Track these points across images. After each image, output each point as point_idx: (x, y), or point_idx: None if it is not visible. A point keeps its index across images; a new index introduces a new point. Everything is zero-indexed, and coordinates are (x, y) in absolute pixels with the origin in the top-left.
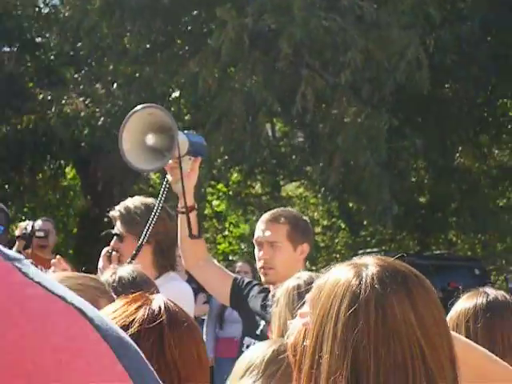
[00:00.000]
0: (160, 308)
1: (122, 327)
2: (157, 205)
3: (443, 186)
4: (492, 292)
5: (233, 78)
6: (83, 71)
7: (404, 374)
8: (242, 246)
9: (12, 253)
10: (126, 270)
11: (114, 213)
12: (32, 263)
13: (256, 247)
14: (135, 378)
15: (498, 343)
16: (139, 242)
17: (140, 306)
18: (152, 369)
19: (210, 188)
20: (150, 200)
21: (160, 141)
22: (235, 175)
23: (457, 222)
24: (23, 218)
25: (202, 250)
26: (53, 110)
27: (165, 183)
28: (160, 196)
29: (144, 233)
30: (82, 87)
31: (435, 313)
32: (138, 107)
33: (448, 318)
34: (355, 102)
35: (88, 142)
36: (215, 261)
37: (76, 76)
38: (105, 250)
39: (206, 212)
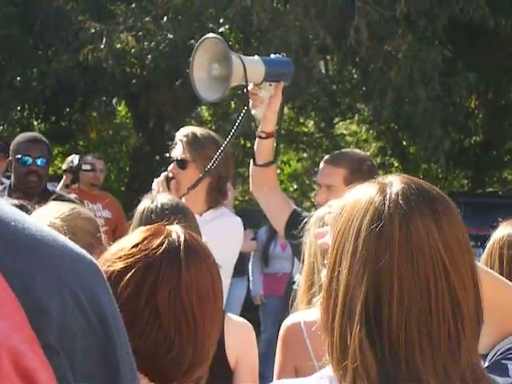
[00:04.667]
0: (179, 246)
1: (142, 265)
2: (232, 131)
3: (497, 124)
4: None
5: (285, 13)
6: (133, 5)
7: (427, 291)
8: (294, 185)
9: None
10: (166, 197)
11: (181, 136)
12: (77, 198)
13: (317, 187)
14: (15, 281)
15: None
16: (205, 171)
17: (161, 244)
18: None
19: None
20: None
21: (227, 70)
22: (287, 111)
23: (511, 159)
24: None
25: (271, 178)
26: (103, 41)
27: (244, 110)
28: (236, 123)
29: (212, 161)
30: (132, 20)
31: (459, 233)
32: (206, 36)
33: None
34: (408, 36)
35: (138, 78)
36: (281, 191)
37: (126, 10)
38: (163, 175)
39: None
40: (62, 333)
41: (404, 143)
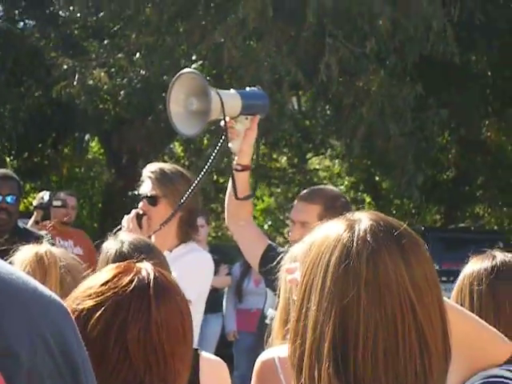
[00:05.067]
0: (149, 284)
1: (112, 304)
2: (208, 164)
3: (469, 159)
4: (500, 255)
5: (256, 49)
6: (106, 41)
7: (394, 328)
8: (269, 221)
9: None
10: (132, 237)
11: (148, 173)
12: (49, 234)
13: (290, 223)
14: None
15: (504, 308)
16: (178, 206)
17: (130, 282)
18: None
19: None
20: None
21: (204, 105)
22: (261, 147)
23: (483, 195)
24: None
25: (247, 212)
26: (76, 78)
27: (220, 143)
28: (212, 156)
29: (186, 196)
30: (105, 56)
31: (427, 270)
32: (182, 71)
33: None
34: (380, 72)
35: (111, 115)
36: (256, 225)
37: (98, 47)
38: (133, 212)
39: None
40: (31, 377)
41: (377, 179)
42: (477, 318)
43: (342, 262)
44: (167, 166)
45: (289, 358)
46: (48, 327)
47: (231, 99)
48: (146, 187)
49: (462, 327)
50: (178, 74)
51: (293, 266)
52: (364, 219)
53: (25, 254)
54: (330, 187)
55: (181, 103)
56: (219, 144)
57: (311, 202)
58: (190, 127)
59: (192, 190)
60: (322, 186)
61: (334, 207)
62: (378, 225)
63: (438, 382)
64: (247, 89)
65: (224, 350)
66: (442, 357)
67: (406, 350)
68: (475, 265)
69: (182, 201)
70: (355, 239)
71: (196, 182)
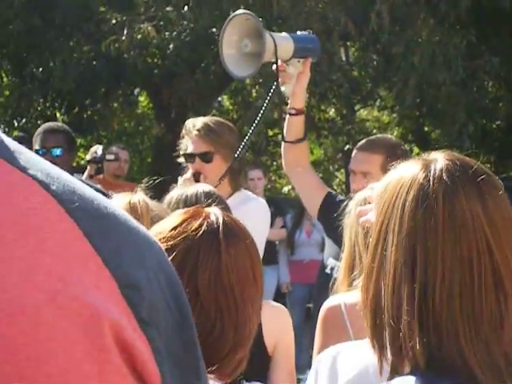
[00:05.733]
0: (218, 228)
1: (182, 248)
2: (261, 112)
3: None
4: None
5: None
6: None
7: (469, 268)
8: (320, 174)
9: None
10: (205, 185)
11: (194, 131)
12: (102, 188)
13: (350, 174)
14: (108, 258)
15: None
16: (234, 158)
17: (200, 226)
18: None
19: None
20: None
21: (258, 47)
22: (307, 100)
23: None
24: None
25: (304, 157)
26: (124, 32)
27: (273, 87)
28: (266, 103)
29: (241, 148)
30: (153, 9)
31: (504, 210)
32: (236, 12)
33: None
34: (429, 20)
35: (160, 69)
36: (315, 172)
37: (147, 0)
38: (189, 172)
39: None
40: (151, 308)
41: (426, 129)
42: None
43: (418, 202)
44: (210, 120)
45: (361, 300)
46: (156, 264)
47: (284, 42)
48: (192, 145)
49: None
50: (231, 16)
51: (365, 207)
52: (440, 159)
53: (118, 201)
54: (388, 136)
55: (233, 45)
56: (272, 89)
57: (372, 151)
58: (243, 69)
59: (246, 140)
60: (379, 135)
61: (395, 155)
62: (455, 164)
63: None
64: (298, 33)
65: (278, 301)
66: None
67: (482, 290)
68: None
69: (236, 153)
70: (431, 178)
71: (250, 131)
